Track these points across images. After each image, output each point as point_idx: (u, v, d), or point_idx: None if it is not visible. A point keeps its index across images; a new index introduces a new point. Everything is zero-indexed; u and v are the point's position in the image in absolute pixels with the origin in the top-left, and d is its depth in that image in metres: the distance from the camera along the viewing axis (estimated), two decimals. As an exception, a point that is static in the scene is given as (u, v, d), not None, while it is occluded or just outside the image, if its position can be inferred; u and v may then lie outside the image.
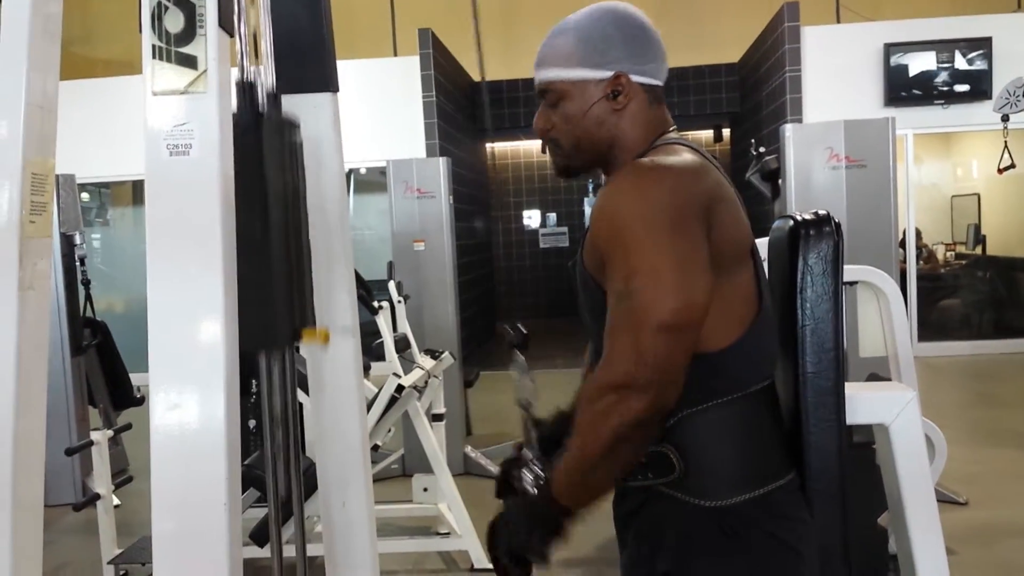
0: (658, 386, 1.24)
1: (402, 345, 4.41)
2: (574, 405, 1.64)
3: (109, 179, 9.63)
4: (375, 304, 4.25)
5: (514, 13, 10.51)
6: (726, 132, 12.58)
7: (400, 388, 3.97)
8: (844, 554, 1.51)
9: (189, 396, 1.28)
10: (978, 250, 10.24)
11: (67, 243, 5.26)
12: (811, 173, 4.91)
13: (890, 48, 8.43)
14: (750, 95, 10.39)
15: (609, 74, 1.43)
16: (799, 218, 1.53)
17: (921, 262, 9.52)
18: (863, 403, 1.76)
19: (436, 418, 4.75)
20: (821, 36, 8.56)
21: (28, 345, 1.61)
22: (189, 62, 1.28)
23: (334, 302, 1.72)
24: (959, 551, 3.70)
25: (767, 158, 4.52)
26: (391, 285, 4.98)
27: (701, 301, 1.26)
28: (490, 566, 4.08)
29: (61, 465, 4.91)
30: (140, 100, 1.29)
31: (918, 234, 9.40)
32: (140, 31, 1.30)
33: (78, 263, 5.34)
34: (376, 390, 4.10)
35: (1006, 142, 7.12)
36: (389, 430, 4.40)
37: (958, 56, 8.40)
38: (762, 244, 1.75)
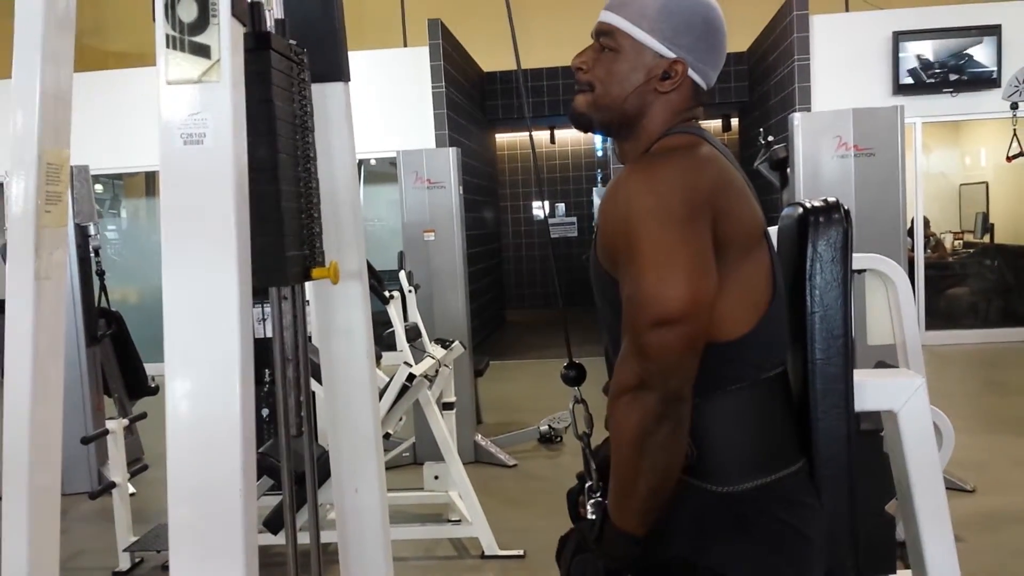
0: (662, 379, 1.25)
1: (413, 334, 4.43)
2: None
3: (122, 170, 9.66)
4: (386, 294, 4.27)
5: (524, 3, 10.48)
6: (734, 121, 12.54)
7: (411, 377, 3.99)
8: (852, 540, 1.52)
9: (205, 384, 1.29)
10: (986, 239, 10.19)
11: (81, 234, 5.29)
12: (820, 162, 4.90)
13: (899, 36, 8.38)
14: (758, 84, 10.35)
15: (672, 55, 1.43)
16: (808, 205, 1.54)
17: (929, 250, 9.49)
18: (872, 390, 1.76)
19: (447, 407, 4.77)
20: (830, 24, 8.52)
21: (45, 334, 1.63)
22: (202, 51, 1.29)
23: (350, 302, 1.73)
24: (966, 538, 3.71)
25: (776, 147, 4.51)
26: (402, 275, 5.00)
27: (703, 293, 1.27)
28: (501, 553, 4.10)
29: (77, 454, 4.95)
30: (153, 91, 1.31)
31: (926, 223, 9.36)
32: (153, 20, 1.31)
33: (92, 254, 5.36)
34: (387, 379, 4.13)
35: (1015, 130, 7.09)
36: (400, 418, 4.42)
37: (967, 44, 8.35)
38: (771, 232, 1.76)
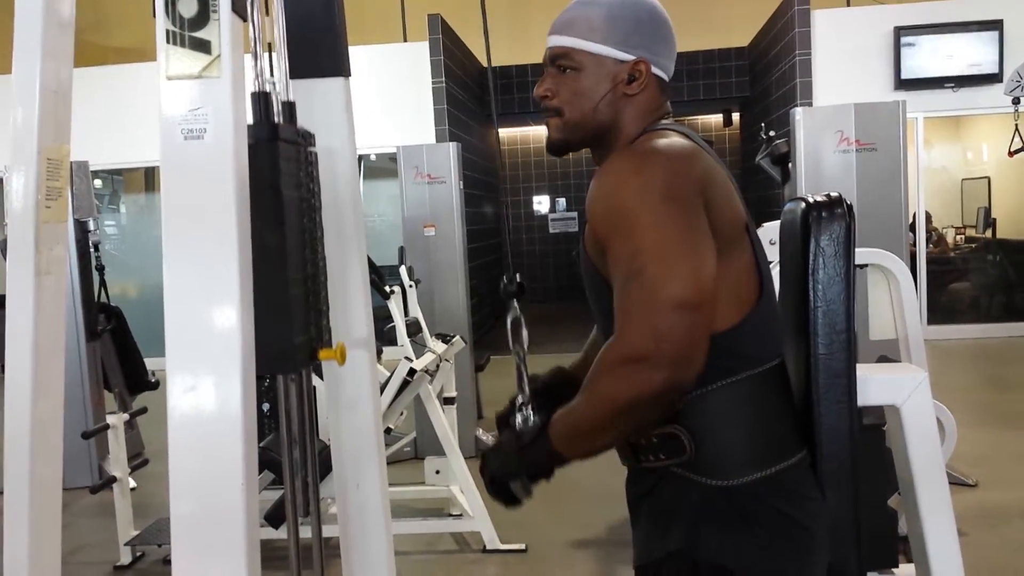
0: (677, 364, 1.22)
1: (413, 329, 4.43)
2: (578, 366, 1.68)
3: (122, 166, 9.66)
4: (387, 289, 4.27)
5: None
6: (736, 116, 12.53)
7: (412, 372, 3.99)
8: (855, 535, 1.52)
9: (206, 378, 1.29)
10: (988, 233, 10.19)
11: (81, 229, 5.30)
12: (821, 157, 4.90)
13: (900, 31, 8.37)
14: (760, 79, 10.35)
15: (632, 58, 1.43)
16: (811, 200, 1.54)
17: (931, 246, 9.49)
18: (874, 384, 1.76)
19: (447, 401, 4.77)
20: (831, 19, 8.51)
21: (45, 329, 1.62)
22: (203, 47, 1.28)
23: (350, 295, 1.73)
24: (969, 532, 3.71)
25: (777, 142, 4.51)
26: (402, 270, 5.00)
27: (711, 277, 1.26)
28: (502, 547, 4.12)
29: (78, 449, 4.96)
30: (153, 87, 1.30)
31: (928, 217, 9.36)
32: (154, 16, 1.31)
33: (92, 249, 5.37)
34: (388, 374, 4.13)
35: (1016, 125, 7.08)
36: (401, 413, 4.42)
37: (968, 39, 8.34)
38: (773, 227, 1.76)
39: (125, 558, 4.02)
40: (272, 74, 1.42)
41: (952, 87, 8.41)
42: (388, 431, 4.59)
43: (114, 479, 3.97)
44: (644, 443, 1.42)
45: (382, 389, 3.93)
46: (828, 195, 1.53)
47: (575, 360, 1.74)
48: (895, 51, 8.39)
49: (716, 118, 12.49)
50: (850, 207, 1.52)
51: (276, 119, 1.40)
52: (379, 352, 4.21)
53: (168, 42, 1.29)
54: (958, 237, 10.52)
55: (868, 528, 1.55)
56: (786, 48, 8.70)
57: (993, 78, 8.26)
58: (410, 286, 4.95)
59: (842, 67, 8.41)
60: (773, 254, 1.71)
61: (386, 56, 8.88)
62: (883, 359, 3.37)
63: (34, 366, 1.61)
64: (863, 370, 1.60)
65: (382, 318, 4.08)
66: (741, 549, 1.36)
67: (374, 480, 1.80)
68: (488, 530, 3.98)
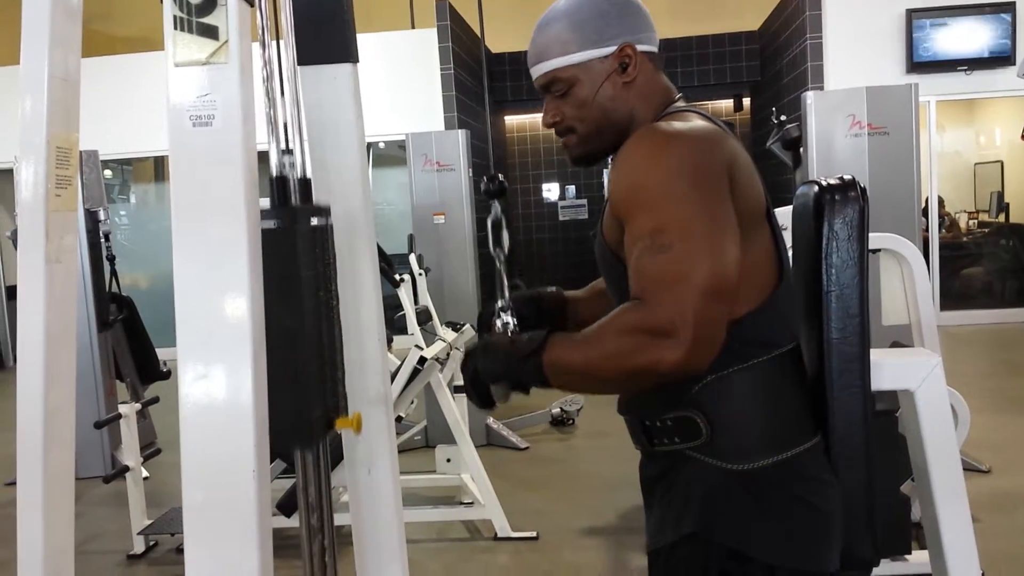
0: (699, 349, 1.22)
1: (424, 317, 4.43)
2: (578, 299, 1.71)
3: (131, 155, 9.68)
4: (397, 277, 4.27)
5: (531, -17, 10.43)
6: (746, 101, 12.46)
7: (422, 360, 4.00)
8: (868, 519, 1.51)
9: (217, 366, 1.29)
10: (1001, 218, 10.13)
11: (91, 219, 5.31)
12: (833, 141, 4.87)
13: (912, 14, 8.30)
14: (770, 63, 10.28)
15: (613, 48, 1.43)
16: (824, 183, 1.52)
17: (943, 230, 9.44)
18: (888, 369, 1.75)
19: (458, 390, 4.77)
20: (842, 2, 8.44)
21: (57, 318, 1.62)
22: (210, 33, 1.28)
23: (360, 281, 1.72)
24: (982, 518, 3.69)
25: (788, 126, 4.48)
26: (412, 258, 5.00)
27: (735, 263, 1.26)
28: (513, 535, 4.12)
29: (91, 438, 4.99)
30: (161, 75, 1.30)
31: (941, 202, 9.30)
32: (161, 2, 1.30)
33: (103, 239, 5.38)
34: (399, 362, 4.13)
35: (1031, 108, 6.99)
36: (412, 402, 4.43)
37: (981, 22, 8.27)
38: (785, 212, 1.74)
39: (138, 547, 4.04)
40: (286, 141, 1.40)
41: (965, 70, 8.34)
42: (399, 419, 4.60)
43: (127, 468, 3.99)
44: (659, 426, 1.42)
45: (392, 378, 3.94)
46: (841, 178, 1.52)
47: (575, 292, 1.75)
48: (907, 34, 8.33)
49: (727, 103, 12.42)
50: (863, 190, 1.51)
51: (293, 198, 1.39)
52: (389, 340, 4.21)
53: (175, 28, 1.28)
54: (971, 222, 10.45)
55: (880, 514, 1.54)
56: (797, 31, 8.64)
57: (1006, 60, 8.19)
58: (420, 274, 4.95)
59: (854, 50, 8.35)
60: (786, 239, 1.69)
61: (394, 43, 8.86)
62: (896, 344, 3.36)
63: (46, 354, 1.61)
64: (876, 355, 1.58)
65: (392, 307, 4.08)
66: (756, 533, 1.35)
67: (385, 467, 1.79)
68: (499, 518, 3.98)
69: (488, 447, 5.39)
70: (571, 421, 5.87)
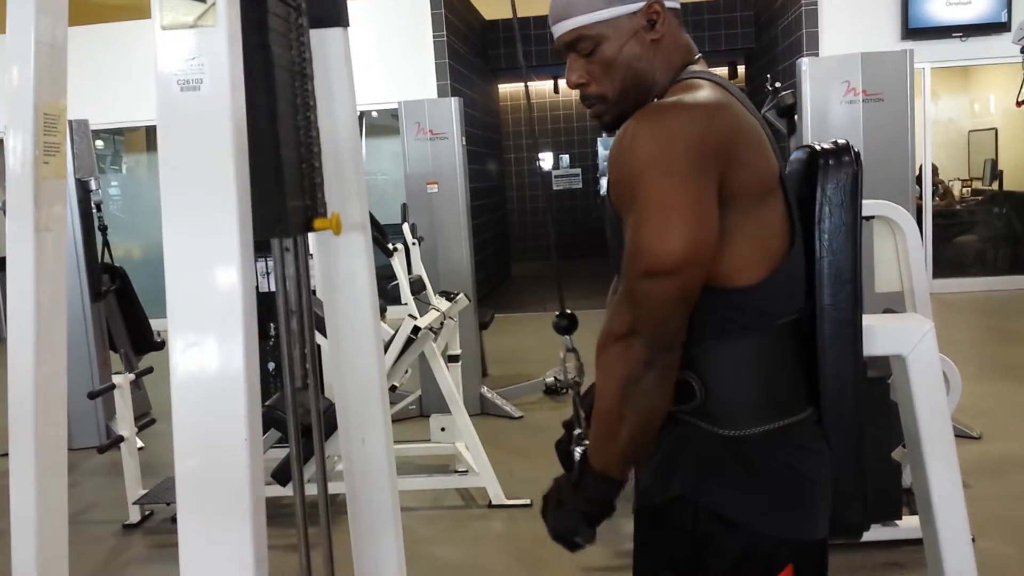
0: (651, 327, 1.27)
1: (417, 287, 4.43)
2: None
3: (122, 124, 9.60)
4: (390, 247, 4.26)
5: (524, -51, 10.31)
6: (741, 69, 12.40)
7: (416, 330, 3.99)
8: (859, 485, 1.52)
9: (208, 334, 1.28)
10: (995, 186, 10.12)
11: (83, 189, 5.27)
12: (828, 108, 4.84)
13: (908, -21, 8.24)
14: (765, 30, 10.22)
15: (642, 3, 1.38)
16: (818, 147, 1.51)
17: (937, 198, 9.43)
18: (880, 334, 1.75)
19: (452, 359, 4.78)
20: (838, -32, 8.38)
21: (46, 286, 1.62)
22: (198, -5, 1.26)
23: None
24: (972, 484, 3.72)
25: (783, 93, 4.45)
26: (405, 227, 4.98)
27: (700, 245, 1.26)
28: (508, 502, 4.14)
29: (85, 409, 4.98)
30: (150, 39, 1.28)
31: (934, 170, 9.29)
32: (147, -35, 1.28)
33: (94, 209, 5.35)
34: (392, 332, 4.13)
35: (1025, 75, 6.95)
36: (406, 371, 4.43)
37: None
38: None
39: (134, 516, 4.05)
40: None
41: (960, 36, 8.30)
42: (393, 389, 4.60)
43: (121, 438, 3.99)
44: None
45: (386, 347, 3.94)
46: (835, 142, 1.51)
47: None
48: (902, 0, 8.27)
49: (721, 71, 12.35)
50: (858, 155, 1.49)
51: None
52: (383, 310, 4.21)
53: (162, -9, 1.26)
54: (964, 189, 10.44)
55: (871, 480, 1.55)
56: (792, -2, 8.58)
57: (1002, 27, 8.15)
58: (413, 244, 4.94)
59: (849, 16, 8.29)
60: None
61: (385, 10, 8.77)
62: (888, 312, 3.36)
63: (36, 322, 1.60)
64: (869, 320, 1.58)
65: (385, 276, 4.07)
66: (744, 499, 1.36)
67: (379, 436, 1.80)
68: (493, 486, 4.00)
69: (482, 416, 5.40)
70: (565, 390, 5.88)
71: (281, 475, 3.71)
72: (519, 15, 1.74)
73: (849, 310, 1.49)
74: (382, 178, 10.12)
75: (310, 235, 1.60)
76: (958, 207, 10.17)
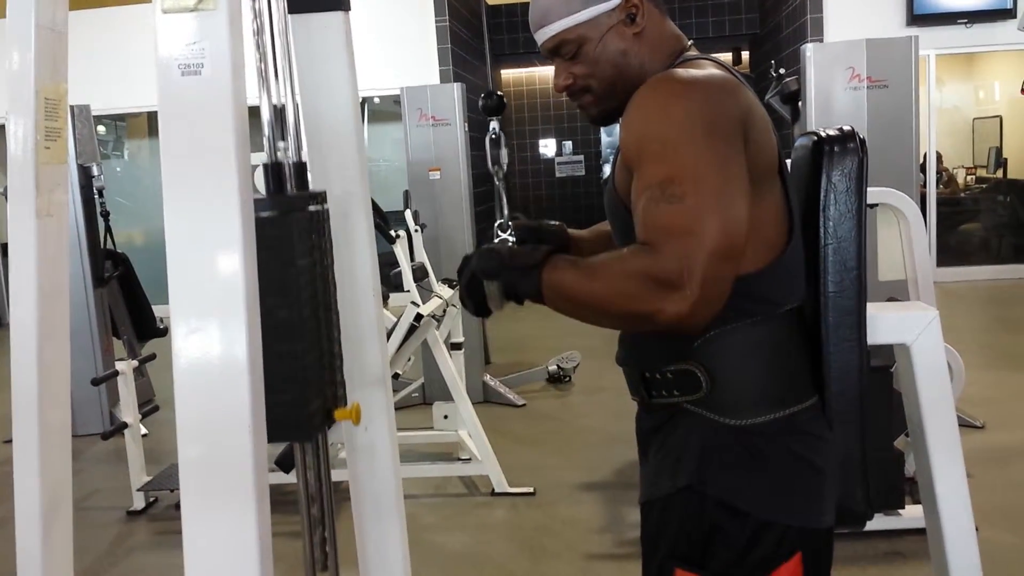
0: (702, 307, 1.21)
1: (420, 274, 4.42)
2: (582, 238, 1.74)
3: (124, 110, 9.58)
4: (392, 234, 4.25)
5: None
6: (745, 55, 12.34)
7: (419, 317, 3.99)
8: (863, 473, 1.51)
9: (209, 319, 1.28)
10: (999, 174, 10.09)
11: (85, 175, 5.26)
12: (832, 94, 4.83)
13: (914, -35, 8.20)
14: (770, 15, 10.17)
15: (618, 0, 1.39)
16: (823, 134, 1.50)
17: (941, 186, 9.40)
18: (885, 322, 1.74)
19: (455, 347, 4.78)
20: (843, -47, 8.34)
21: (49, 272, 1.61)
22: (198, -21, 1.25)
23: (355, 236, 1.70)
24: (976, 473, 3.71)
25: (787, 80, 4.45)
26: (407, 214, 4.97)
27: (744, 221, 1.24)
28: (511, 490, 4.14)
29: (88, 396, 4.99)
30: (151, 24, 1.27)
31: (939, 157, 9.26)
32: (148, -51, 1.27)
33: (96, 195, 5.34)
34: (395, 320, 4.12)
35: (1031, 62, 6.93)
36: (409, 359, 4.43)
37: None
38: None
39: (138, 503, 4.06)
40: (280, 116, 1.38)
41: (965, 23, 8.26)
42: (396, 377, 4.60)
43: (125, 425, 4.00)
44: (659, 378, 1.41)
45: (389, 335, 3.93)
46: (840, 129, 1.50)
47: (579, 231, 1.76)
48: (908, -14, 8.24)
49: (725, 57, 12.31)
50: (863, 141, 1.49)
51: (288, 186, 1.37)
52: (385, 297, 4.20)
53: (163, -25, 1.25)
54: (968, 177, 10.41)
55: (874, 468, 1.55)
56: (796, -16, 8.54)
57: (1007, 14, 8.11)
58: (415, 230, 4.93)
59: (854, 2, 8.26)
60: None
61: (388, -5, 8.74)
62: (892, 300, 3.35)
63: (39, 308, 1.60)
64: (873, 308, 1.57)
65: (387, 263, 4.06)
66: (752, 488, 1.35)
67: (382, 423, 1.79)
68: (496, 474, 4.01)
69: (485, 404, 5.41)
70: (567, 378, 5.88)
71: (285, 462, 3.72)
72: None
73: (853, 298, 1.48)
74: (384, 164, 10.10)
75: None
76: (962, 195, 10.14)
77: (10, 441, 1.65)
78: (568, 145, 14.06)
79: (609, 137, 13.77)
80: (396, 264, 4.22)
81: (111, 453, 4.75)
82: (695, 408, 1.38)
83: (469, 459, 4.18)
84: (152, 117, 10.06)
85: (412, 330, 4.03)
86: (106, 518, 4.03)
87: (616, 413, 4.49)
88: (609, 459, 4.27)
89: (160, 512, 4.07)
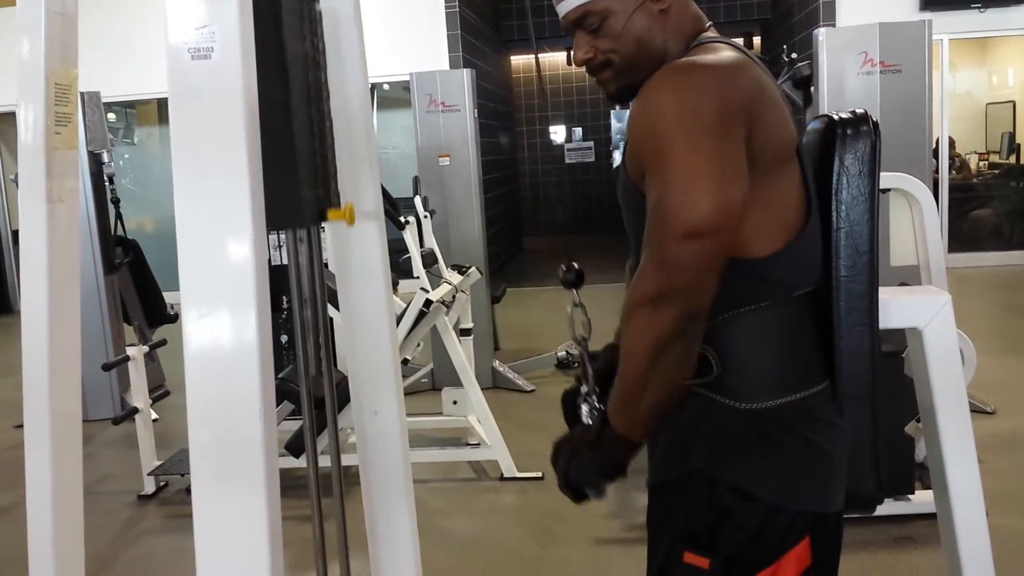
0: (686, 293, 1.23)
1: (429, 260, 4.42)
2: (619, 332, 1.64)
3: (134, 97, 9.58)
4: (402, 219, 4.25)
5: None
6: (756, 40, 12.28)
7: (428, 303, 3.99)
8: (873, 458, 1.51)
9: (220, 305, 1.28)
10: (1012, 159, 10.02)
11: (95, 161, 5.27)
12: (844, 79, 4.79)
13: (927, -52, 8.12)
14: (781, 0, 10.10)
15: None
16: (836, 117, 1.49)
17: (954, 171, 9.34)
18: (897, 307, 1.73)
19: (464, 333, 4.79)
20: (856, -64, 8.26)
21: (60, 256, 1.62)
22: (208, -38, 1.24)
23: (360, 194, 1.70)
24: (986, 459, 3.70)
25: (799, 65, 4.40)
26: (417, 200, 4.97)
27: (735, 203, 1.23)
28: (519, 475, 4.14)
29: (100, 381, 5.02)
30: (162, 10, 1.27)
31: (951, 143, 9.19)
32: (158, -67, 1.27)
33: (107, 181, 5.35)
34: (404, 305, 4.13)
35: (1045, 46, 6.86)
36: (418, 345, 4.44)
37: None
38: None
39: (149, 488, 4.09)
40: None
41: (979, 7, 8.18)
42: (405, 362, 4.61)
43: (136, 410, 4.02)
44: None
45: (398, 321, 3.94)
46: (853, 112, 1.49)
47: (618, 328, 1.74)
48: (920, -31, 8.16)
49: (737, 41, 12.24)
50: (876, 125, 1.47)
51: None
52: (395, 284, 4.21)
53: (172, -41, 1.25)
54: (981, 163, 10.34)
55: (885, 454, 1.54)
56: (808, -32, 8.47)
57: (1021, -2, 8.04)
58: (425, 217, 4.93)
59: (866, -13, 8.19)
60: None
61: (397, -19, 8.71)
62: (904, 285, 3.34)
63: (50, 294, 1.60)
64: (885, 293, 1.56)
65: (397, 250, 4.07)
66: (761, 472, 1.35)
67: (392, 408, 1.80)
68: (505, 459, 4.01)
69: (494, 389, 5.41)
70: (576, 364, 5.87)
71: (295, 447, 3.73)
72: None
73: (865, 282, 1.47)
74: (394, 151, 10.09)
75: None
76: (975, 181, 10.08)
77: (21, 426, 1.66)
78: (578, 131, 14.02)
79: (619, 123, 13.72)
80: (406, 250, 4.22)
81: (122, 438, 4.77)
82: (706, 392, 1.38)
83: (478, 444, 4.18)
84: (162, 104, 10.07)
85: (421, 316, 4.03)
86: (117, 502, 4.05)
87: (626, 399, 4.47)
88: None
89: (170, 496, 4.09)
